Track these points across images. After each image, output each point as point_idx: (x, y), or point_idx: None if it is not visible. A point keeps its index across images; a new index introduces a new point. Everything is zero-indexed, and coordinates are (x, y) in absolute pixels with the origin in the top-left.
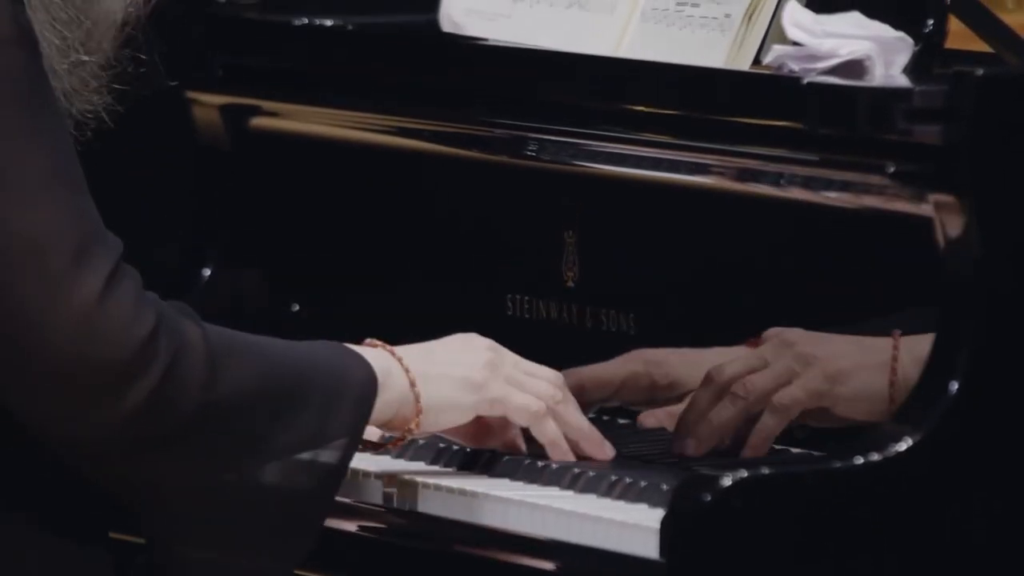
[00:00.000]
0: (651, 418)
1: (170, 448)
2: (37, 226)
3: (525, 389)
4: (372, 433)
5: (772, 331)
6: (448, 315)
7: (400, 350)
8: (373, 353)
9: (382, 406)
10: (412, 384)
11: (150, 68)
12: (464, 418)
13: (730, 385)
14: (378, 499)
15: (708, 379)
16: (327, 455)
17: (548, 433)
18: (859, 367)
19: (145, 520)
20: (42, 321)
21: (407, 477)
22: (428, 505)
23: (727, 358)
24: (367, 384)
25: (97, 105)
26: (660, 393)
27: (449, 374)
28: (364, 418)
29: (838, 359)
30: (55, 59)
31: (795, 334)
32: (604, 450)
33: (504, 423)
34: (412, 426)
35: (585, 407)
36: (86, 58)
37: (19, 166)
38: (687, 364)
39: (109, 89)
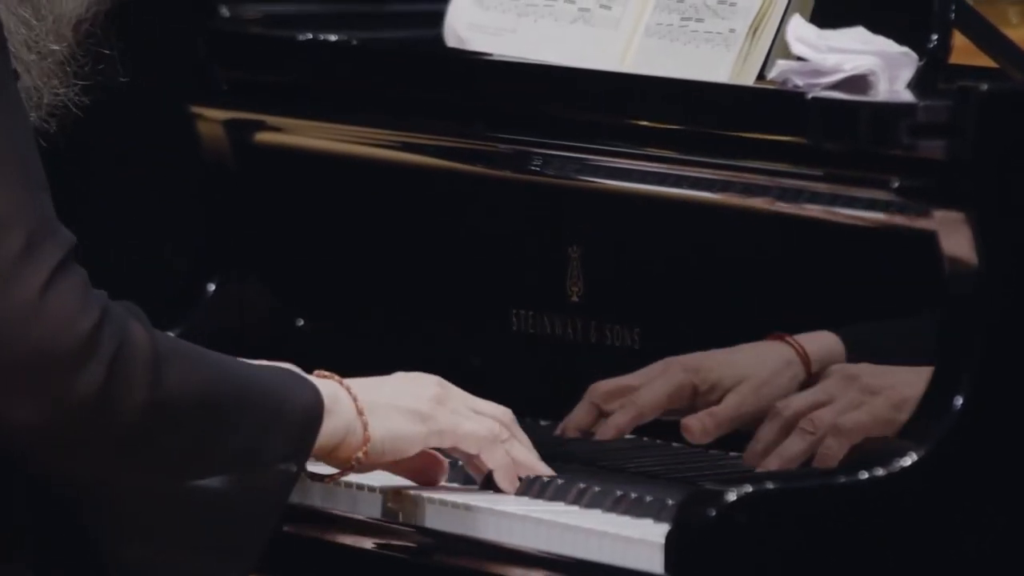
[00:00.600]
0: (697, 422)
1: (117, 445)
2: None
3: (472, 419)
4: (325, 468)
5: (836, 367)
6: (453, 330)
7: (348, 381)
8: (321, 381)
9: (328, 432)
10: (360, 413)
11: (108, 64)
12: (412, 449)
13: (797, 420)
14: (379, 514)
15: (775, 414)
16: (269, 473)
17: (497, 458)
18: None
19: (86, 516)
20: None
21: (410, 492)
22: (431, 520)
23: (757, 353)
24: (312, 408)
25: (63, 96)
26: (702, 399)
27: (397, 405)
28: (308, 441)
29: (903, 388)
30: (23, 50)
31: (858, 367)
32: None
33: (439, 463)
34: (360, 455)
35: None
36: (54, 47)
37: None
38: (723, 365)
39: (73, 81)
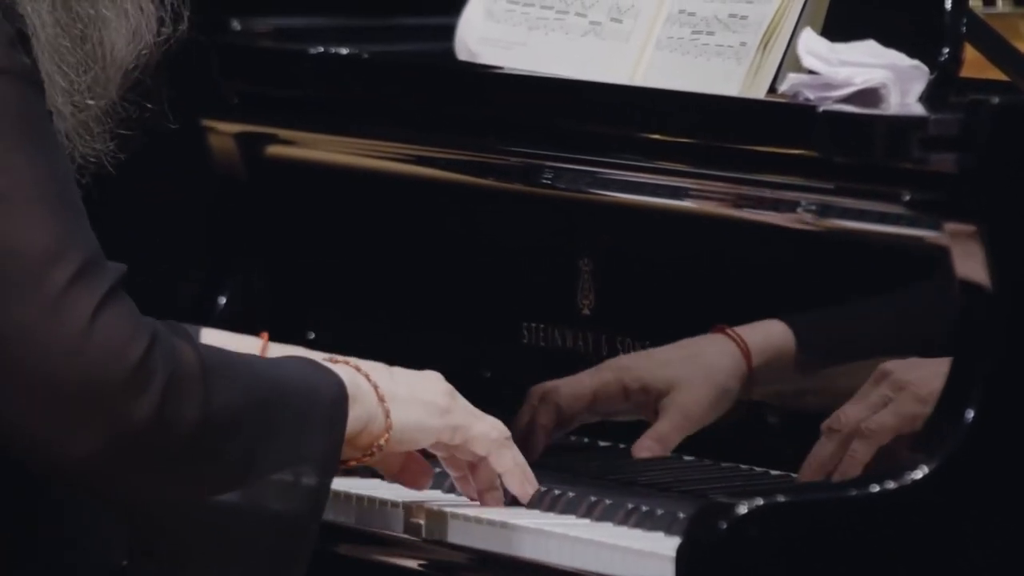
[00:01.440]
0: (644, 450)
1: (175, 465)
2: (34, 246)
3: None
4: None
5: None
6: (464, 342)
7: (365, 366)
8: (340, 368)
9: (352, 419)
10: (381, 400)
11: (156, 113)
12: (427, 441)
13: (856, 432)
14: (399, 529)
15: (831, 431)
16: (309, 471)
17: (506, 461)
18: None
19: (137, 538)
20: (36, 340)
21: (423, 506)
22: (440, 533)
23: (690, 349)
24: (339, 399)
25: (98, 151)
26: (636, 398)
27: (417, 396)
28: (339, 432)
29: (931, 381)
30: (59, 100)
31: (891, 364)
32: (527, 490)
33: (425, 468)
34: (381, 442)
35: (563, 425)
36: (91, 102)
37: (17, 187)
38: (657, 364)
39: (111, 135)
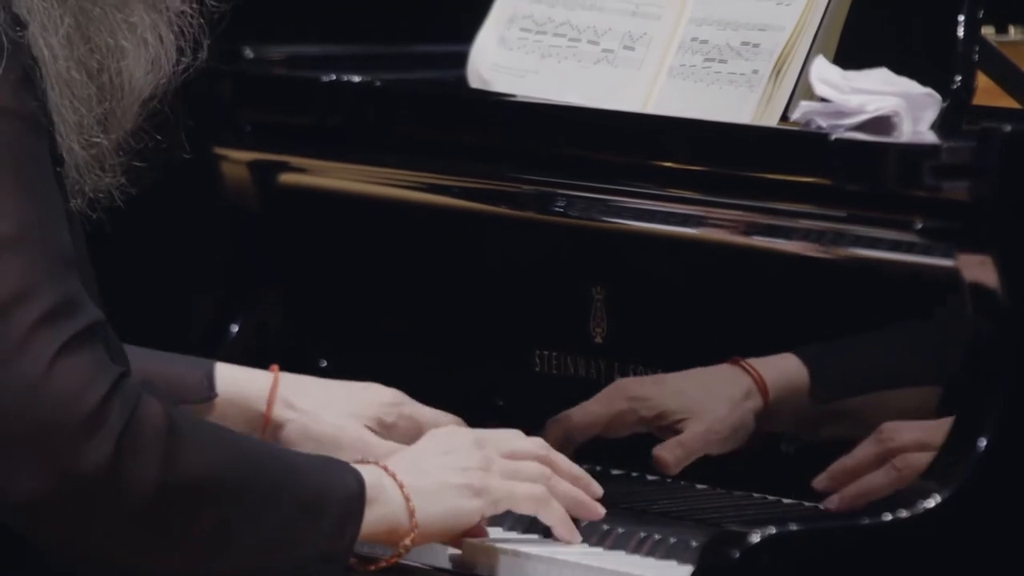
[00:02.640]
0: (666, 450)
1: (130, 524)
2: (3, 286)
3: (520, 476)
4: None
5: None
6: (476, 370)
7: (392, 463)
8: (365, 468)
9: (374, 521)
10: (407, 499)
11: (172, 144)
12: (470, 522)
13: (896, 454)
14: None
15: (879, 440)
16: (307, 564)
17: (555, 515)
18: None
19: None
20: None
21: None
22: (445, 560)
23: (707, 381)
24: (354, 497)
25: (110, 185)
26: (650, 424)
27: (446, 482)
28: (350, 531)
29: None
30: (70, 136)
31: None
32: (596, 511)
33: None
34: (408, 541)
35: (573, 449)
36: (100, 138)
37: None
38: (671, 393)
39: (123, 169)
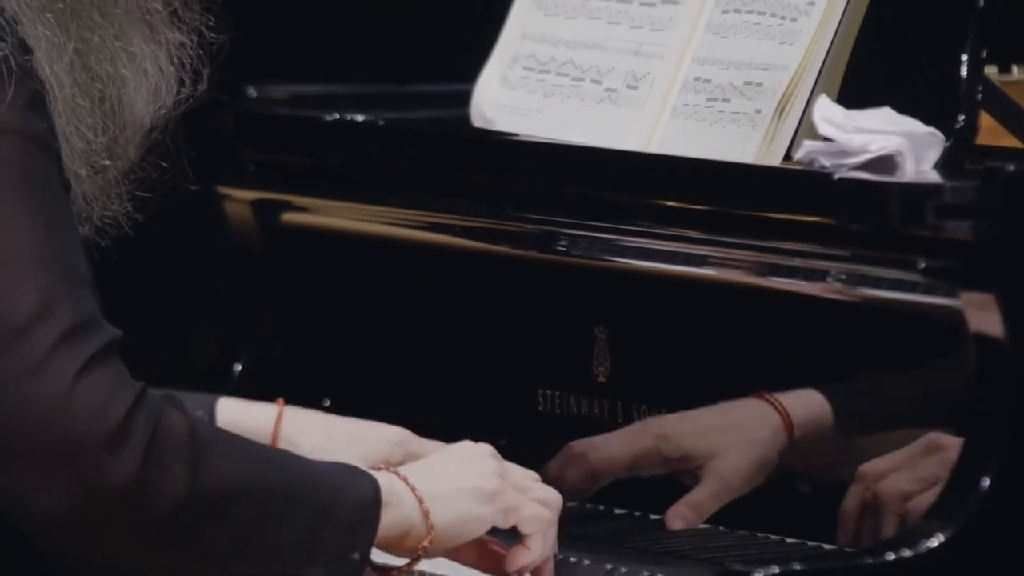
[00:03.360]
0: (677, 518)
1: (156, 535)
2: (20, 306)
3: (532, 495)
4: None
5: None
6: (479, 410)
7: (406, 469)
8: (379, 474)
9: (389, 525)
10: (420, 502)
11: (175, 174)
12: (481, 530)
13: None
14: None
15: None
16: (325, 568)
17: (547, 548)
18: None
19: None
20: (16, 398)
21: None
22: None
23: (732, 417)
24: (369, 502)
25: (117, 212)
26: (673, 465)
27: (460, 487)
28: (365, 535)
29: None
30: (77, 163)
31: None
32: None
33: (502, 547)
34: (425, 543)
35: (591, 485)
36: (108, 163)
37: (12, 247)
38: (697, 433)
39: (130, 197)
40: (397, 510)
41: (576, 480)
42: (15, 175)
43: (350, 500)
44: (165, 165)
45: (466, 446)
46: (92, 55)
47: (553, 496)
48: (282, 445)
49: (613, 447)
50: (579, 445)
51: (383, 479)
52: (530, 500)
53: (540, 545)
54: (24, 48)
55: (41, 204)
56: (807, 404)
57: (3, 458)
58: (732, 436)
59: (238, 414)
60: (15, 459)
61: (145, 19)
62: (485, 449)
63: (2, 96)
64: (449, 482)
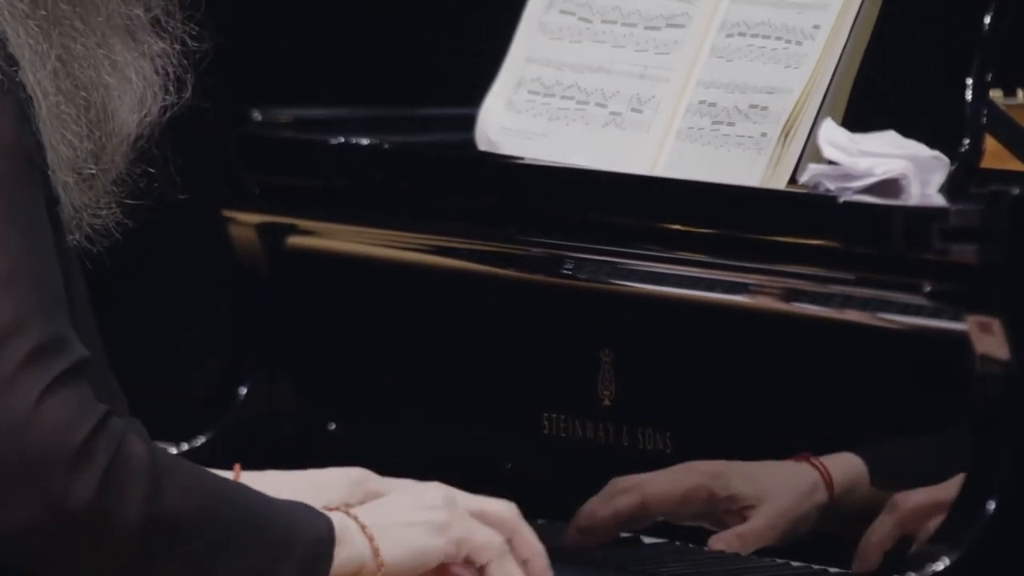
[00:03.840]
0: (721, 542)
1: (114, 557)
2: None
3: (484, 521)
4: None
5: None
6: (484, 433)
7: (356, 509)
8: (332, 513)
9: (341, 562)
10: (370, 539)
11: (163, 183)
12: (434, 561)
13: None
14: None
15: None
16: None
17: (508, 571)
18: None
19: None
20: None
21: None
22: None
23: (779, 473)
24: (323, 540)
25: (106, 219)
26: (719, 505)
27: (409, 520)
28: (320, 571)
29: None
30: (64, 171)
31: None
32: None
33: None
34: None
35: (638, 521)
36: (94, 171)
37: None
38: (746, 478)
39: (119, 204)
40: (349, 548)
41: (621, 515)
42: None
43: (306, 537)
44: (153, 171)
45: (411, 485)
46: (75, 63)
47: (507, 516)
48: None
49: (661, 484)
50: (625, 481)
51: (335, 517)
52: (481, 527)
53: (500, 571)
54: (9, 60)
55: (17, 222)
56: (845, 467)
57: None
58: (780, 486)
59: None
60: None
61: (127, 27)
62: (432, 488)
63: None
64: (398, 517)
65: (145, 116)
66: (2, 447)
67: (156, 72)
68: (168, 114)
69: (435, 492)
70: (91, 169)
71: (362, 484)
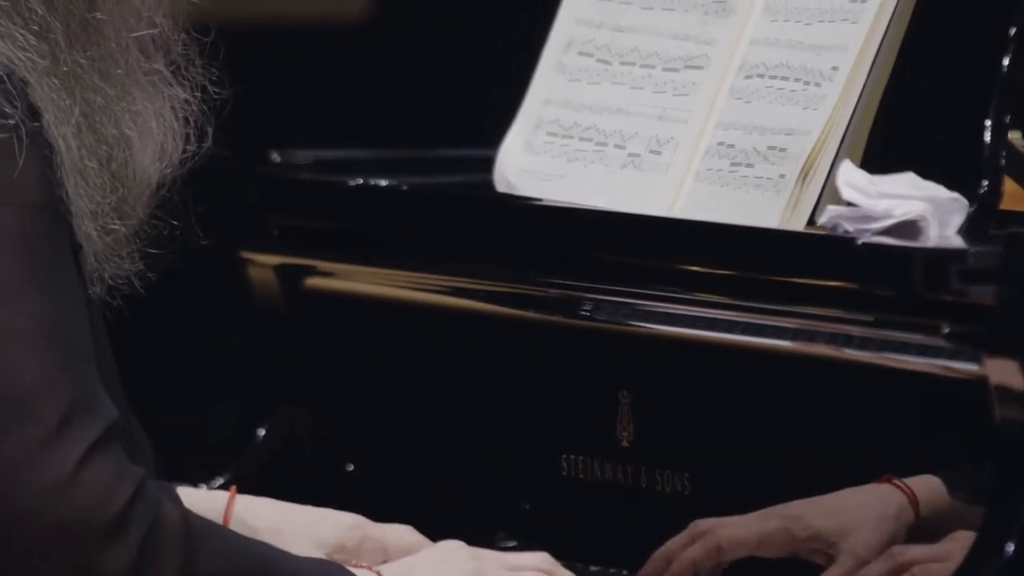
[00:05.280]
0: None
1: None
2: (24, 384)
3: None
4: None
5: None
6: (503, 474)
7: (385, 568)
8: (359, 571)
9: None
10: None
11: (185, 231)
12: None
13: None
14: None
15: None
16: None
17: None
18: None
19: None
20: (19, 481)
21: None
22: None
23: (861, 498)
24: None
25: (128, 271)
26: (802, 546)
27: None
28: None
29: None
30: (87, 223)
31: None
32: None
33: None
34: None
35: (715, 565)
36: (117, 224)
37: (14, 322)
38: (828, 513)
39: (141, 255)
40: None
41: (700, 558)
42: (22, 248)
43: None
44: (174, 223)
45: (440, 547)
46: (97, 117)
47: (544, 566)
48: (234, 525)
49: (741, 527)
50: (705, 523)
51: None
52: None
53: None
54: (33, 112)
55: (45, 279)
56: (929, 487)
57: (7, 545)
58: (864, 514)
59: (189, 497)
60: (10, 541)
61: (147, 78)
62: (461, 551)
63: (12, 167)
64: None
65: (166, 166)
66: (37, 513)
67: (177, 120)
68: (189, 164)
69: (464, 559)
70: (114, 224)
71: (359, 528)
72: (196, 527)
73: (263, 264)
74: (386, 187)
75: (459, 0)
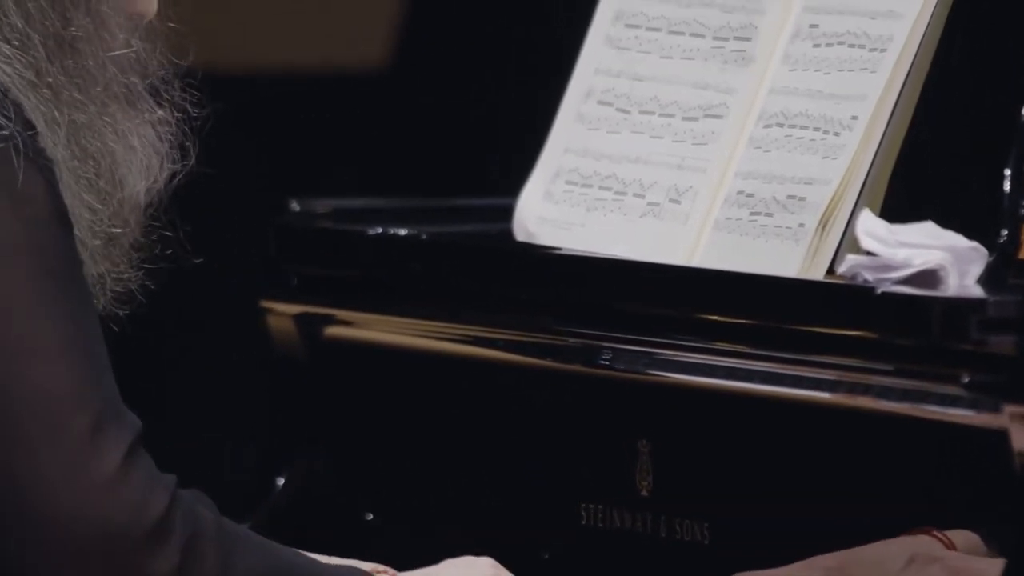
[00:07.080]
0: None
1: None
2: (53, 398)
3: None
4: None
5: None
6: (521, 524)
7: (405, 574)
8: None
9: None
10: None
11: (176, 247)
12: None
13: None
14: None
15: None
16: None
17: None
18: None
19: None
20: (59, 492)
21: None
22: None
23: (901, 547)
24: None
25: (130, 282)
26: None
27: None
28: None
29: None
30: (85, 232)
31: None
32: None
33: None
34: None
35: None
36: (116, 230)
37: (43, 333)
38: (869, 564)
39: (139, 266)
40: None
41: None
42: (37, 262)
43: None
44: (171, 235)
45: (462, 560)
46: (82, 132)
47: None
48: None
49: None
50: None
51: None
52: None
53: None
54: (27, 125)
55: (64, 291)
56: (968, 538)
57: (40, 548)
58: (901, 564)
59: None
60: (55, 553)
61: (126, 95)
62: (484, 563)
63: (14, 175)
64: None
65: (153, 183)
66: (80, 522)
67: (160, 139)
68: (175, 181)
69: (484, 568)
70: (115, 229)
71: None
72: (229, 529)
73: (282, 313)
74: (405, 236)
75: (479, 49)
